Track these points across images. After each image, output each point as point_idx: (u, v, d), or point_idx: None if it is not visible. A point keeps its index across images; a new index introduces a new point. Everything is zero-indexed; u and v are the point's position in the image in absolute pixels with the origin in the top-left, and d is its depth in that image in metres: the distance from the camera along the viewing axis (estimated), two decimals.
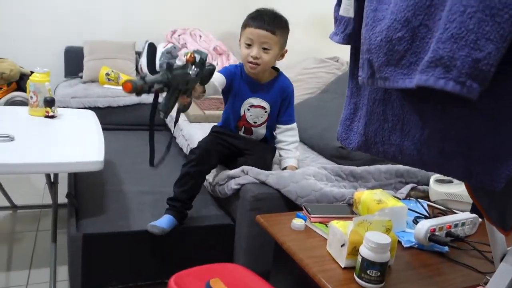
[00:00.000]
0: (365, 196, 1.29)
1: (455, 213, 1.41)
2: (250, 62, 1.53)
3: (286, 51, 1.62)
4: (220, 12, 3.64)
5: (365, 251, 0.96)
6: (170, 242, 1.50)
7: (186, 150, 2.06)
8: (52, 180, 1.63)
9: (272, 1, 3.44)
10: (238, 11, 3.63)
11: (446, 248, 1.17)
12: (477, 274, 1.09)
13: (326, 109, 2.10)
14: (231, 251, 1.55)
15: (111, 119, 2.70)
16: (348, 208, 1.32)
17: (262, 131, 1.67)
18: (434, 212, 1.42)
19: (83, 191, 1.72)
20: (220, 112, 2.31)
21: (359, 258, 0.97)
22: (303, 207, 1.28)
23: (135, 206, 1.63)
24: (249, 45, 1.53)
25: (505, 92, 0.59)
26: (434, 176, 1.54)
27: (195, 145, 1.87)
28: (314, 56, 2.62)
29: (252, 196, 1.41)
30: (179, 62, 1.07)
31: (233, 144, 1.63)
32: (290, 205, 1.42)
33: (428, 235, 1.15)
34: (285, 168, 1.61)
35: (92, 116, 1.89)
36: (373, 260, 0.94)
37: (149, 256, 1.50)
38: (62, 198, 1.66)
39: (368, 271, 0.95)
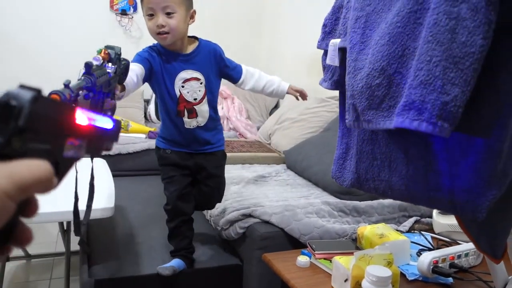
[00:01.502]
0: (367, 230, 1.32)
1: (459, 244, 1.43)
2: (158, 34, 1.41)
3: (195, 11, 1.49)
4: (227, 53, 3.79)
5: (367, 285, 0.98)
6: (179, 285, 1.53)
7: None
8: (65, 228, 1.68)
9: (277, 43, 3.60)
10: (246, 52, 3.79)
11: (451, 280, 1.18)
12: None
13: (329, 146, 2.16)
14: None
15: (121, 165, 2.77)
16: (352, 244, 1.35)
17: (205, 108, 1.52)
18: (439, 244, 1.44)
19: (95, 237, 1.77)
20: (228, 155, 2.40)
21: None
22: (307, 244, 1.32)
23: (145, 251, 1.67)
24: (151, 15, 1.41)
25: (480, 126, 0.65)
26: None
27: None
28: (315, 96, 2.71)
29: (259, 236, 1.45)
30: (95, 61, 0.90)
31: (187, 165, 1.56)
32: (296, 243, 1.45)
33: (431, 267, 1.17)
34: (288, 92, 1.64)
35: (102, 164, 1.96)
36: None
37: None
38: (74, 245, 1.71)
39: None
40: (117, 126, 0.42)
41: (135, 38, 3.46)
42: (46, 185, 0.30)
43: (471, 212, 0.67)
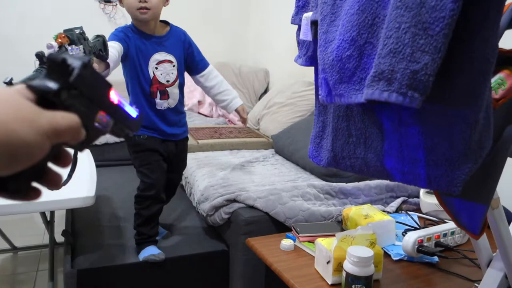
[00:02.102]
0: (352, 212, 1.30)
1: (446, 223, 1.41)
2: (140, 9, 1.42)
3: None
4: (216, 41, 3.74)
5: (348, 266, 0.96)
6: (166, 272, 1.51)
7: (184, 183, 2.08)
8: (48, 219, 1.65)
9: (264, 27, 3.54)
10: (234, 40, 3.74)
11: (436, 259, 1.17)
12: (468, 283, 1.09)
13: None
14: (227, 277, 1.55)
15: (109, 155, 2.74)
16: (337, 226, 1.33)
17: (176, 90, 1.54)
18: (425, 224, 1.43)
19: (80, 228, 1.74)
20: (215, 141, 2.37)
21: (344, 274, 0.98)
22: (292, 228, 1.30)
23: (131, 240, 1.64)
24: None
25: (454, 96, 0.62)
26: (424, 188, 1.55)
27: (191, 175, 1.91)
28: (303, 80, 2.67)
29: (243, 221, 1.42)
30: (48, 49, 0.84)
31: (162, 152, 1.55)
32: (281, 226, 1.43)
33: (416, 246, 1.16)
34: (236, 110, 1.67)
35: (86, 153, 1.93)
36: (357, 274, 0.95)
37: (145, 287, 1.50)
38: (60, 236, 1.68)
39: (353, 286, 0.96)
40: (140, 117, 0.46)
41: (120, 26, 3.39)
42: (75, 135, 0.35)
43: (446, 187, 0.65)
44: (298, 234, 1.25)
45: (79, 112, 0.36)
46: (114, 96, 0.42)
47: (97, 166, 2.08)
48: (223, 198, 1.53)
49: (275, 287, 1.27)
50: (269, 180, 1.77)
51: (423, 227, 1.34)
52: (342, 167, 0.83)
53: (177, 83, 1.54)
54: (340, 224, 1.37)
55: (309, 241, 1.24)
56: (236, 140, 2.36)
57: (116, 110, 0.43)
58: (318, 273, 1.10)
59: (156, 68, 1.50)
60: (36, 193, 0.35)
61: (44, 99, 0.34)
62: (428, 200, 1.50)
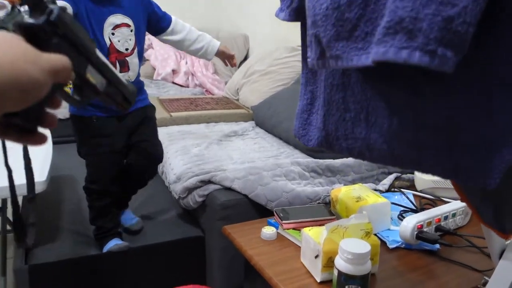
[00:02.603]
0: (342, 193, 1.15)
1: (445, 202, 1.28)
2: None
3: None
4: (193, 8, 3.47)
5: (341, 263, 0.81)
6: (133, 263, 1.35)
7: None
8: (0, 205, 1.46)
9: None
10: (207, 2, 3.47)
11: (437, 246, 1.03)
12: (474, 273, 0.96)
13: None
14: (203, 265, 1.40)
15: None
16: (325, 209, 1.18)
17: (136, 60, 1.33)
18: (422, 204, 1.29)
19: (37, 214, 1.55)
20: (190, 114, 2.17)
21: (335, 272, 0.83)
22: (274, 212, 1.14)
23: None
24: None
25: (499, 54, 0.45)
26: None
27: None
28: (285, 45, 2.47)
29: (219, 205, 1.26)
30: (2, 10, 0.71)
31: (116, 134, 1.33)
32: (262, 210, 1.28)
33: (416, 232, 1.02)
34: (218, 52, 1.49)
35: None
36: (351, 273, 0.80)
37: (112, 281, 1.34)
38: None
39: (347, 287, 0.81)
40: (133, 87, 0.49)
41: None
42: (67, 75, 0.38)
43: (480, 178, 0.49)
44: (281, 220, 1.10)
45: (69, 56, 0.38)
46: (101, 55, 0.43)
47: (60, 142, 1.87)
48: (197, 178, 1.36)
49: (255, 278, 1.12)
50: (249, 156, 1.60)
51: (420, 209, 1.20)
52: (337, 149, 0.66)
53: (136, 51, 1.32)
54: (328, 206, 1.22)
55: (294, 229, 1.09)
56: (213, 112, 2.17)
57: (106, 69, 0.44)
58: (305, 268, 0.95)
59: (113, 34, 1.27)
60: (42, 138, 0.40)
61: (33, 41, 0.36)
62: (424, 177, 1.37)
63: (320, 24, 0.54)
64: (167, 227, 1.47)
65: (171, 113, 2.12)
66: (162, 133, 1.95)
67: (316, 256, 0.90)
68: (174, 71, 2.90)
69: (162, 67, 2.89)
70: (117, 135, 1.33)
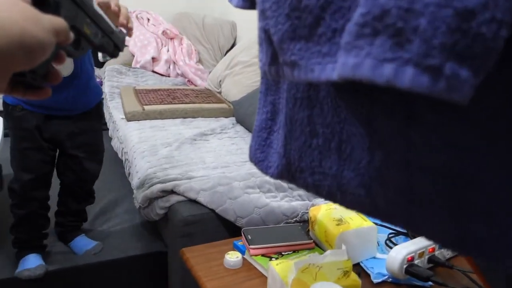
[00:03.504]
0: (322, 214, 0.99)
1: None
2: None
3: None
4: None
5: None
6: (87, 280, 1.19)
7: (121, 155, 1.73)
8: None
9: None
10: None
11: (430, 283, 0.87)
12: None
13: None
14: (165, 285, 1.24)
15: None
16: (302, 230, 1.01)
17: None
18: None
19: None
20: (165, 107, 1.99)
21: None
22: (242, 234, 0.98)
23: None
24: None
25: None
26: None
27: (130, 150, 1.55)
28: None
29: (181, 220, 1.10)
30: None
31: (46, 133, 1.17)
32: (231, 227, 1.11)
33: (405, 266, 0.86)
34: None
35: None
36: None
37: None
38: None
39: None
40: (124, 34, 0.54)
41: None
42: (66, 36, 0.38)
43: (495, 255, 0.32)
44: (249, 244, 0.93)
45: (68, 15, 0.41)
46: (97, 7, 0.46)
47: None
48: (158, 187, 1.19)
49: None
50: (224, 160, 1.43)
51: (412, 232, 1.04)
52: (302, 184, 0.49)
53: None
54: (306, 226, 1.06)
55: (263, 255, 0.93)
56: (191, 106, 2.00)
57: (102, 21, 0.47)
58: None
59: None
60: (46, 92, 0.43)
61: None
62: None
63: (269, 14, 0.36)
64: (127, 240, 1.30)
65: (144, 106, 1.94)
66: (133, 128, 1.77)
67: None
68: (154, 59, 2.71)
69: (141, 54, 2.69)
70: (44, 132, 1.16)
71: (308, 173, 0.47)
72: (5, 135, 1.41)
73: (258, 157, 0.56)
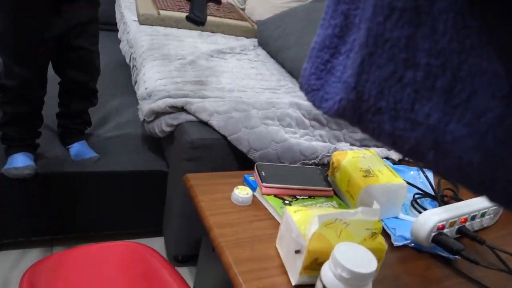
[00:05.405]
0: (347, 160, 0.88)
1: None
2: None
3: None
4: None
5: (330, 278, 0.56)
6: (84, 188, 1.11)
7: (129, 61, 1.58)
8: None
9: None
10: None
11: (457, 256, 0.78)
12: None
13: (318, 22, 1.60)
14: (163, 206, 1.16)
15: None
16: (320, 175, 0.91)
17: None
18: (442, 188, 1.02)
19: None
20: (181, 15, 1.80)
21: (319, 285, 0.58)
22: (255, 168, 0.87)
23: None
24: None
25: None
26: None
27: (139, 57, 1.41)
28: None
29: (189, 142, 0.99)
30: None
31: (47, 18, 1.01)
32: (242, 159, 1.01)
33: (433, 234, 0.77)
34: None
35: None
36: None
37: (61, 202, 1.11)
38: None
39: None
40: None
41: None
42: None
43: None
44: (262, 181, 0.83)
45: None
46: None
47: None
48: (167, 102, 1.06)
49: (211, 257, 0.89)
50: (241, 83, 1.30)
51: (440, 195, 0.94)
52: (371, 130, 0.37)
53: None
54: (325, 170, 0.95)
55: (275, 195, 0.83)
56: (211, 19, 1.81)
57: None
58: (279, 258, 0.70)
59: None
60: None
61: None
62: None
63: None
64: (126, 153, 1.21)
65: (160, 10, 1.75)
66: (144, 32, 1.61)
67: (297, 251, 0.64)
68: None
69: None
70: (52, 19, 1.00)
71: (388, 116, 0.34)
72: None
73: (313, 85, 0.42)
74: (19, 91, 1.03)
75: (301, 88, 0.43)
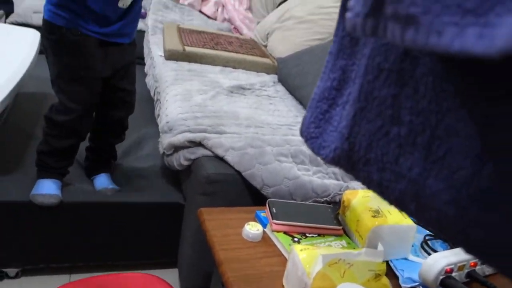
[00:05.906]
0: (357, 200, 0.89)
1: None
2: None
3: None
4: None
5: None
6: (98, 217, 1.15)
7: (153, 94, 1.65)
8: None
9: None
10: None
11: None
12: None
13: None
14: (178, 236, 1.19)
15: None
16: (331, 213, 0.92)
17: None
18: None
19: None
20: (206, 52, 1.88)
21: None
22: (266, 204, 0.89)
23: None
24: None
25: None
26: None
27: (163, 91, 1.47)
28: None
29: (205, 177, 1.02)
30: None
31: (99, 60, 1.10)
32: (255, 195, 1.03)
33: (442, 277, 0.76)
34: None
35: (32, 35, 1.47)
36: None
37: (72, 231, 1.15)
38: None
39: None
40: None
41: None
42: None
43: None
44: (272, 217, 0.85)
45: None
46: None
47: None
48: (186, 136, 1.11)
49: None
50: (259, 119, 1.34)
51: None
52: (362, 178, 0.39)
53: None
54: (336, 208, 0.97)
55: (285, 232, 0.85)
56: (234, 56, 1.88)
57: None
58: None
59: None
60: None
61: None
62: None
63: None
64: (146, 184, 1.25)
65: (185, 46, 1.84)
66: (169, 68, 1.68)
67: None
68: None
69: None
70: (102, 61, 1.09)
71: (376, 168, 0.37)
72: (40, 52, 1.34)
73: (312, 133, 0.45)
74: (70, 126, 1.10)
75: (301, 135, 0.46)
